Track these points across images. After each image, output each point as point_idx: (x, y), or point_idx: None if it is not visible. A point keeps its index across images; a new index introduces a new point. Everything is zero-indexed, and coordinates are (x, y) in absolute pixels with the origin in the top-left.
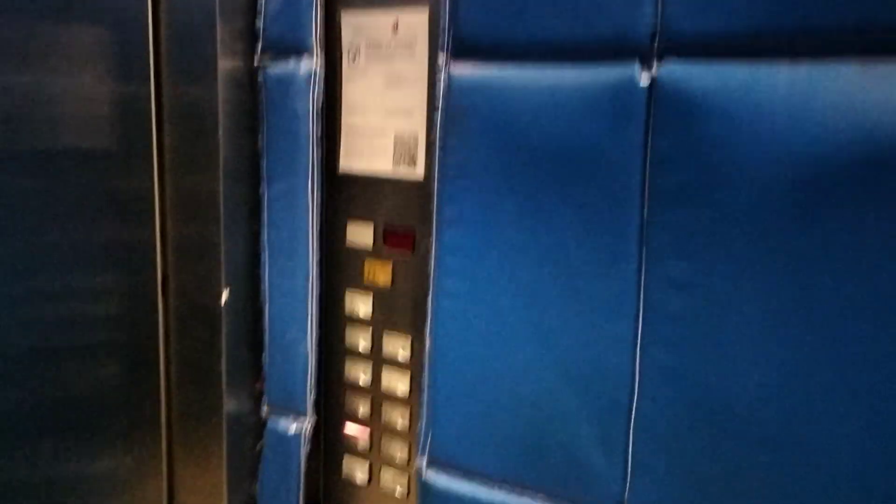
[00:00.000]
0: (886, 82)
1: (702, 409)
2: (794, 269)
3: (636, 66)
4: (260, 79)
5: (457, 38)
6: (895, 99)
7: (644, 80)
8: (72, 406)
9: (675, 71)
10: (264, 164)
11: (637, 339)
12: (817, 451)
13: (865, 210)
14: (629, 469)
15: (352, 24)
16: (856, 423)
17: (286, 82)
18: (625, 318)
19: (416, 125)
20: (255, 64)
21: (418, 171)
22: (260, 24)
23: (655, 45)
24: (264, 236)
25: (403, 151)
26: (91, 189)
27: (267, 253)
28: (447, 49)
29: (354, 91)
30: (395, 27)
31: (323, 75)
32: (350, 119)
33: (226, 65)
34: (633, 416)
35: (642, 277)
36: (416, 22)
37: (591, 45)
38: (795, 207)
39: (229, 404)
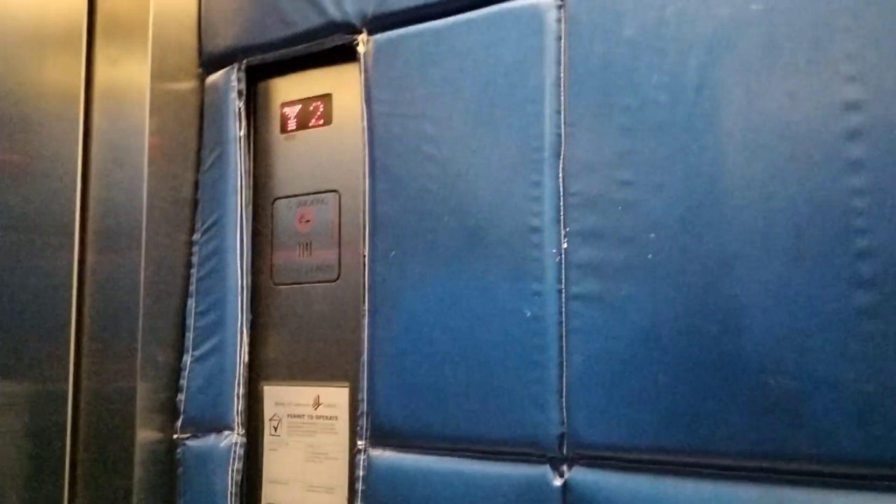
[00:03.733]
0: None
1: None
2: None
3: (548, 469)
4: (178, 454)
5: (376, 424)
6: None
7: (556, 482)
8: None
9: (586, 476)
10: None
11: None
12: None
13: None
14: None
15: (273, 396)
16: None
17: (205, 458)
18: None
19: None
20: (175, 437)
21: None
22: (181, 399)
23: (564, 450)
24: None
25: None
26: None
27: None
28: (366, 434)
29: (275, 463)
30: (317, 402)
31: (244, 449)
32: (271, 495)
33: (145, 436)
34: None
35: None
36: (338, 398)
37: (505, 444)
38: None
39: None
